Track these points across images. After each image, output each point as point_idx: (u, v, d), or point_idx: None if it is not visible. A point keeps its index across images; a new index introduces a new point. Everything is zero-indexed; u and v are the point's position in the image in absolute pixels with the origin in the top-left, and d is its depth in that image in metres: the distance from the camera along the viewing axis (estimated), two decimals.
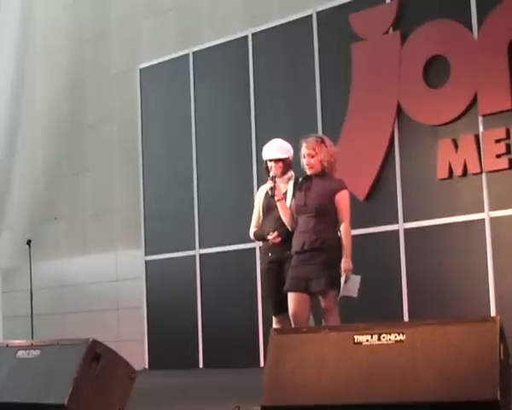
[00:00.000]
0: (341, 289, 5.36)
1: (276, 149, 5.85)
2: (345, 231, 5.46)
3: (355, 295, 5.43)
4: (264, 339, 8.50)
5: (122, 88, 11.14)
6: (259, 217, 5.94)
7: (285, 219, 5.64)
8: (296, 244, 5.51)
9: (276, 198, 5.65)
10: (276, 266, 5.77)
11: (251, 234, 6.02)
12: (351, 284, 5.39)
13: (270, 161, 5.83)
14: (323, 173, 5.56)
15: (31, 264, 11.07)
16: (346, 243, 5.43)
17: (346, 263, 5.39)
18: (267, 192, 5.83)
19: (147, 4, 11.16)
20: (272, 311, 5.86)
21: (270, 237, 5.70)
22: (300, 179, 5.71)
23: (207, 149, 9.64)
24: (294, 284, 5.46)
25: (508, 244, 7.38)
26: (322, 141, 5.59)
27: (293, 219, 5.61)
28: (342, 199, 5.52)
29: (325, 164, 5.54)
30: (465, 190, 7.62)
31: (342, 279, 5.36)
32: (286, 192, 5.79)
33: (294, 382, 3.92)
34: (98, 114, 11.57)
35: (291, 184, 5.81)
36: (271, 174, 5.75)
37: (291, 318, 5.49)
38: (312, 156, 5.54)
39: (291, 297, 5.48)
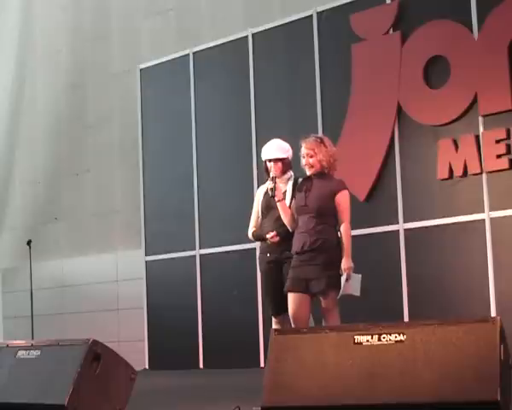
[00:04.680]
0: (342, 288, 5.38)
1: (275, 149, 5.85)
2: (345, 231, 5.47)
3: (357, 293, 5.45)
4: (265, 339, 8.50)
5: (122, 88, 11.14)
6: (258, 217, 5.94)
7: (285, 219, 5.65)
8: (296, 245, 5.51)
9: (276, 199, 5.66)
10: (275, 266, 5.77)
11: (249, 234, 6.03)
12: (353, 283, 5.41)
13: (270, 161, 5.83)
14: (323, 174, 5.56)
15: (31, 264, 11.07)
16: (347, 242, 5.44)
17: (346, 262, 5.40)
18: (266, 192, 5.83)
19: (147, 5, 11.16)
20: (272, 311, 5.86)
21: (268, 236, 5.71)
22: (300, 180, 5.72)
23: (207, 149, 9.63)
24: (294, 285, 5.46)
25: (508, 245, 7.38)
26: (322, 141, 5.60)
27: (294, 220, 5.62)
28: (343, 200, 5.53)
29: (324, 164, 5.54)
30: (465, 190, 7.62)
31: (343, 278, 5.37)
32: (285, 192, 5.78)
33: (294, 382, 3.92)
34: (98, 114, 11.58)
35: (290, 184, 5.80)
36: (271, 174, 5.76)
37: (291, 318, 5.49)
38: (311, 156, 5.55)
39: (291, 298, 5.48)
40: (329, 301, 5.44)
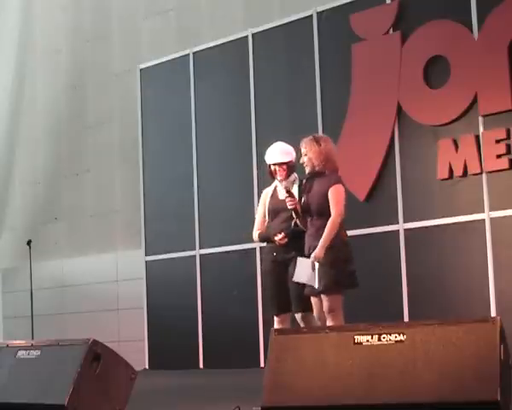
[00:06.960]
0: (294, 274, 5.44)
1: (280, 152, 5.90)
2: (331, 221, 5.42)
3: (308, 282, 5.42)
4: (265, 339, 8.49)
5: (122, 88, 11.14)
6: (264, 220, 5.97)
7: (300, 222, 5.69)
8: (306, 247, 5.56)
9: (292, 207, 5.65)
10: (281, 266, 5.79)
11: (255, 237, 6.05)
12: (300, 269, 5.42)
13: (274, 164, 5.87)
14: (322, 172, 5.57)
15: (31, 264, 11.07)
16: (327, 233, 5.40)
17: (318, 251, 5.37)
18: (272, 195, 5.91)
19: (147, 5, 11.16)
20: (274, 311, 5.88)
21: (277, 238, 5.74)
22: (304, 181, 5.75)
23: (207, 149, 9.63)
24: (311, 289, 5.51)
25: (508, 245, 7.37)
26: (315, 139, 5.60)
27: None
28: (334, 193, 5.50)
29: (314, 162, 5.56)
30: (465, 190, 7.62)
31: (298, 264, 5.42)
32: None
33: (295, 382, 3.92)
34: (98, 114, 11.57)
35: (295, 187, 5.85)
36: (283, 184, 5.75)
37: (316, 320, 5.54)
38: (305, 155, 5.60)
39: (312, 301, 5.55)
40: (332, 302, 5.40)
